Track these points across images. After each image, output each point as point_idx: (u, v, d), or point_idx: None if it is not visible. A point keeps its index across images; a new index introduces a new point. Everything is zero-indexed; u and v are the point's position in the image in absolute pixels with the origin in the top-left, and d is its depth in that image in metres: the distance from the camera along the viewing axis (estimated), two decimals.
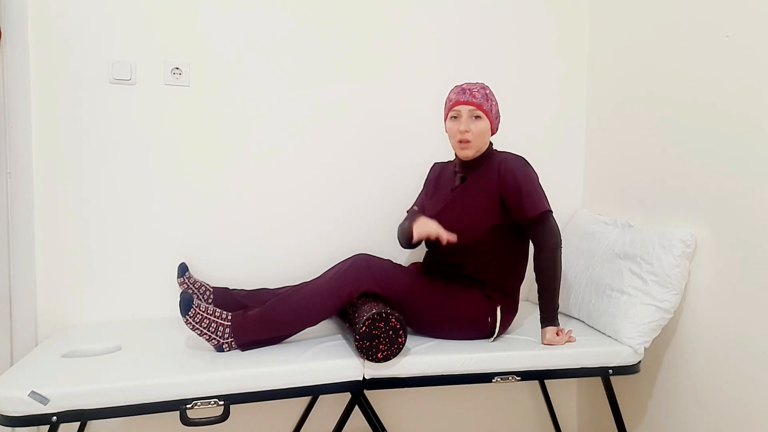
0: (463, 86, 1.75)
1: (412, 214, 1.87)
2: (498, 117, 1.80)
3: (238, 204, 2.03)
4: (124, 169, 1.93)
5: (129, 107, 1.92)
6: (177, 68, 1.94)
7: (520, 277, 1.82)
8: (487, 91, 1.75)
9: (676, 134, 1.82)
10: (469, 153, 1.75)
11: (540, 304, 1.73)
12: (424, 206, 1.92)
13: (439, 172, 1.95)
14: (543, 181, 1.79)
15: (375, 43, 2.11)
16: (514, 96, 2.25)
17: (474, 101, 1.71)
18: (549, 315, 1.71)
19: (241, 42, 2.00)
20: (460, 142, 1.73)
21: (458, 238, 1.74)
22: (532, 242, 1.73)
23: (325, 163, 2.10)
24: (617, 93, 2.12)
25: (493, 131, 1.79)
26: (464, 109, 1.72)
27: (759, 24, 1.53)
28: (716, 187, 1.66)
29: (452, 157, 1.97)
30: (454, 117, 1.74)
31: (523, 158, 1.76)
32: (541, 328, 1.72)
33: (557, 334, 1.70)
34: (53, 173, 1.87)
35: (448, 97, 1.79)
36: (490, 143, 1.81)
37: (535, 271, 1.72)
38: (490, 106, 1.74)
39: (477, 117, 1.72)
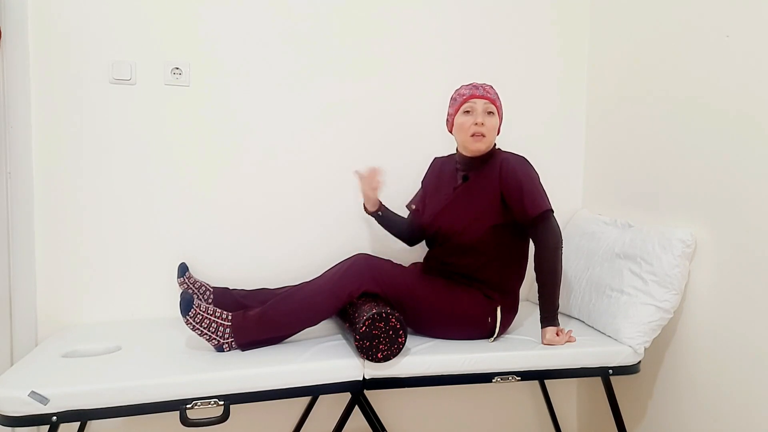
0: (475, 83, 1.77)
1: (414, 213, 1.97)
2: (503, 118, 1.84)
3: (239, 204, 2.03)
4: (124, 168, 1.93)
5: (129, 107, 1.92)
6: (177, 68, 1.94)
7: (521, 277, 1.82)
8: (496, 91, 1.80)
9: (677, 134, 1.82)
10: (482, 147, 1.75)
11: (540, 304, 1.73)
12: (424, 205, 1.92)
13: (440, 168, 1.95)
14: (543, 181, 1.79)
15: (376, 43, 2.11)
16: (514, 95, 2.25)
17: (489, 96, 1.74)
18: (549, 315, 1.71)
19: (241, 42, 2.00)
20: (474, 135, 1.73)
21: (459, 236, 1.75)
22: (533, 241, 1.73)
23: (325, 162, 2.10)
24: (617, 93, 2.12)
25: (498, 131, 1.80)
26: (479, 103, 1.73)
27: (759, 24, 1.53)
28: (716, 187, 1.66)
29: (453, 152, 1.98)
30: (467, 111, 1.75)
31: (525, 158, 1.77)
32: (541, 328, 1.72)
33: (557, 334, 1.70)
34: (53, 173, 1.87)
35: (458, 93, 1.79)
36: (495, 143, 1.82)
37: (535, 270, 1.72)
38: (500, 104, 1.79)
39: (490, 113, 1.75)
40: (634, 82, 2.02)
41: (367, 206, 1.92)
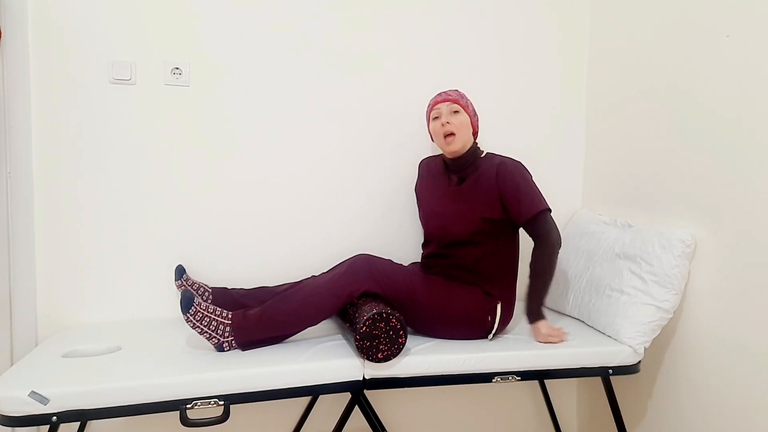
0: (440, 92, 1.89)
1: None
2: (476, 115, 1.89)
3: (238, 204, 2.03)
4: (124, 168, 1.93)
5: (129, 107, 1.92)
6: (177, 68, 1.94)
7: (515, 273, 1.84)
8: (462, 93, 1.89)
9: (676, 134, 1.82)
10: (455, 147, 1.81)
11: (530, 301, 1.75)
12: (421, 209, 1.95)
13: (426, 170, 2.01)
14: (543, 181, 1.82)
15: (375, 43, 2.11)
16: (514, 96, 2.25)
17: (450, 98, 1.84)
18: (539, 309, 1.74)
19: (241, 42, 1.99)
20: (445, 136, 1.82)
21: (456, 235, 1.77)
22: (533, 239, 1.75)
23: (326, 162, 2.10)
24: (617, 93, 2.12)
25: (474, 128, 1.86)
26: (443, 106, 1.83)
27: (759, 24, 1.53)
28: (716, 188, 1.66)
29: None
30: (436, 117, 1.85)
31: (521, 162, 1.82)
32: (532, 323, 1.74)
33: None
34: (53, 173, 1.87)
35: (428, 105, 1.91)
36: (476, 144, 1.87)
37: (531, 267, 1.74)
38: (466, 102, 1.86)
39: (456, 111, 1.83)
40: (634, 82, 2.02)
41: None
